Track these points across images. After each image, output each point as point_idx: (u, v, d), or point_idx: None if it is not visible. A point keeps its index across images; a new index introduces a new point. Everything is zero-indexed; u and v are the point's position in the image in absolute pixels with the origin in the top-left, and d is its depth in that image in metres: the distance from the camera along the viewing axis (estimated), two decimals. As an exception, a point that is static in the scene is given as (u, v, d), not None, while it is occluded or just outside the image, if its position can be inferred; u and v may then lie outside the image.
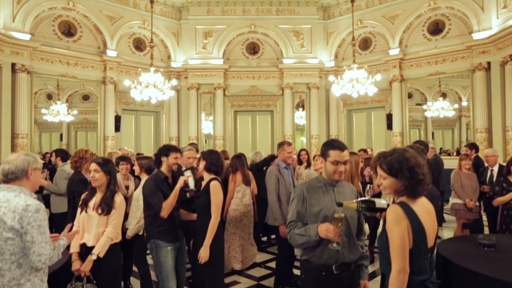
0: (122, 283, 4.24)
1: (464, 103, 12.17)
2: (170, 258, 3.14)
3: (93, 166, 2.73)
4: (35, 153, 9.83)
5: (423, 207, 1.80)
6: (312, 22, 11.60)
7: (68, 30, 9.82)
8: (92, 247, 2.65)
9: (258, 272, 4.84)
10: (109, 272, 2.67)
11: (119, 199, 2.74)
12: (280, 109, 11.87)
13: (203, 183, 3.30)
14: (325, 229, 1.97)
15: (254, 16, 11.52)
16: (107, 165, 2.75)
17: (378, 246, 1.90)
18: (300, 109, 12.29)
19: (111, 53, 10.30)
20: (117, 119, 10.74)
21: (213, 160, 3.24)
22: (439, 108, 11.44)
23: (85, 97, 12.60)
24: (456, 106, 12.00)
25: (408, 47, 10.66)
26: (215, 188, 3.12)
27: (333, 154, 2.15)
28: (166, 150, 3.31)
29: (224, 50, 11.58)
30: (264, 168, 5.22)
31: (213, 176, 3.25)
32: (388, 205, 1.90)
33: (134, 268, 4.34)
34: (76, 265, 2.62)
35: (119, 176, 4.24)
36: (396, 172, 1.78)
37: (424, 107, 11.69)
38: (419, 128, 12.86)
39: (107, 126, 10.52)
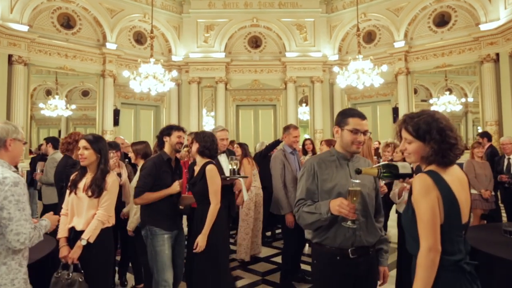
0: (118, 279, 4.00)
1: (470, 99, 11.88)
2: (167, 247, 2.88)
3: (82, 143, 2.48)
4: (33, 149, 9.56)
5: (455, 176, 1.52)
6: (315, 15, 11.35)
7: (67, 22, 9.59)
8: (82, 232, 2.39)
9: (262, 267, 4.58)
10: (99, 259, 2.41)
11: (111, 179, 2.49)
12: (283, 104, 11.61)
13: (196, 168, 3.01)
14: (338, 205, 1.71)
15: (256, 9, 11.28)
16: (98, 143, 2.50)
17: (403, 222, 1.63)
18: (303, 104, 12.03)
19: (110, 46, 10.07)
20: (116, 113, 10.51)
21: (207, 143, 2.93)
22: (445, 103, 11.15)
23: (85, 93, 12.34)
24: (463, 100, 11.72)
25: (413, 39, 10.40)
26: (211, 172, 2.81)
27: (353, 121, 1.90)
28: (168, 129, 3.09)
29: (225, 43, 11.34)
30: (269, 154, 4.99)
31: (207, 160, 2.95)
32: (412, 169, 1.65)
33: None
34: (63, 251, 2.36)
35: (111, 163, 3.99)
36: (423, 134, 1.51)
37: (431, 101, 11.39)
38: (424, 124, 12.53)
39: (106, 120, 10.29)
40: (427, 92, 12.35)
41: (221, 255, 2.85)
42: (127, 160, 4.35)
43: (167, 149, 3.05)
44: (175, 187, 2.80)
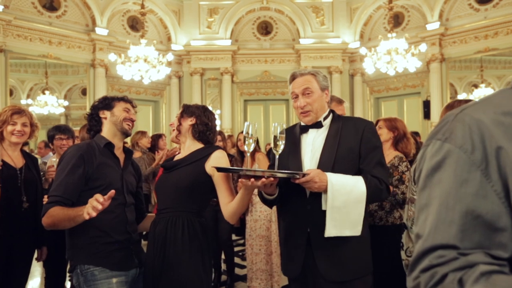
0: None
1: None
2: None
3: None
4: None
5: None
6: (334, -4, 10.00)
7: (51, 3, 8.40)
8: None
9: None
10: None
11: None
12: (296, 98, 10.22)
13: (178, 157, 1.86)
14: None
15: (266, -10, 9.99)
16: None
17: None
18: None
19: (101, 31, 8.85)
20: (109, 109, 9.28)
21: (209, 121, 1.86)
22: (482, 97, 9.66)
23: (84, 92, 11.40)
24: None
25: (449, 20, 8.95)
26: (223, 158, 1.76)
27: None
28: (106, 100, 1.85)
29: (232, 29, 10.04)
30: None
31: (203, 145, 1.82)
32: None
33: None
34: None
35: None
36: None
37: (459, 96, 9.92)
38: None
39: (98, 116, 9.05)
40: (451, 88, 11.00)
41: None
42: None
43: (106, 131, 1.81)
44: (88, 210, 1.38)
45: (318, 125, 1.67)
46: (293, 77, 1.69)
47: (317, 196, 1.52)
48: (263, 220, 3.41)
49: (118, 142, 1.82)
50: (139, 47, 6.78)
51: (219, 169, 1.49)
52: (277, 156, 1.53)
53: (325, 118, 1.68)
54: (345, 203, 1.46)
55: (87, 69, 9.03)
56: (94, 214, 1.36)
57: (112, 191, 1.41)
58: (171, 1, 9.93)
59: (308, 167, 1.60)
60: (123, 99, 1.87)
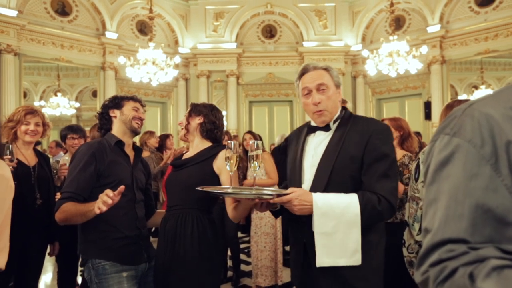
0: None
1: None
2: None
3: None
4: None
5: None
6: (336, 0, 9.95)
7: (62, 8, 8.46)
8: None
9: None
10: None
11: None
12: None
13: (187, 155, 1.83)
14: None
15: (270, -6, 9.96)
16: None
17: None
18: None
19: (110, 35, 8.89)
20: (119, 110, 9.32)
21: (217, 120, 1.83)
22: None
23: (95, 94, 11.51)
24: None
25: (450, 23, 8.87)
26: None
27: None
28: (116, 99, 1.84)
29: (237, 33, 10.04)
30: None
31: (211, 144, 1.81)
32: None
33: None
34: None
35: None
36: None
37: (459, 97, 9.85)
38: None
39: (107, 117, 9.09)
40: (452, 89, 10.93)
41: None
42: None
43: (116, 129, 1.80)
44: (98, 204, 1.38)
45: (327, 127, 1.45)
46: (305, 71, 1.45)
47: None
48: (268, 217, 3.40)
49: (127, 140, 1.82)
50: (148, 50, 6.80)
51: (202, 190, 1.44)
52: (254, 175, 1.52)
53: (336, 120, 1.45)
54: (334, 228, 1.26)
55: (98, 71, 9.08)
56: (104, 208, 1.36)
57: (122, 187, 1.41)
58: (178, 5, 9.95)
59: (307, 173, 1.44)
60: (132, 98, 1.87)
